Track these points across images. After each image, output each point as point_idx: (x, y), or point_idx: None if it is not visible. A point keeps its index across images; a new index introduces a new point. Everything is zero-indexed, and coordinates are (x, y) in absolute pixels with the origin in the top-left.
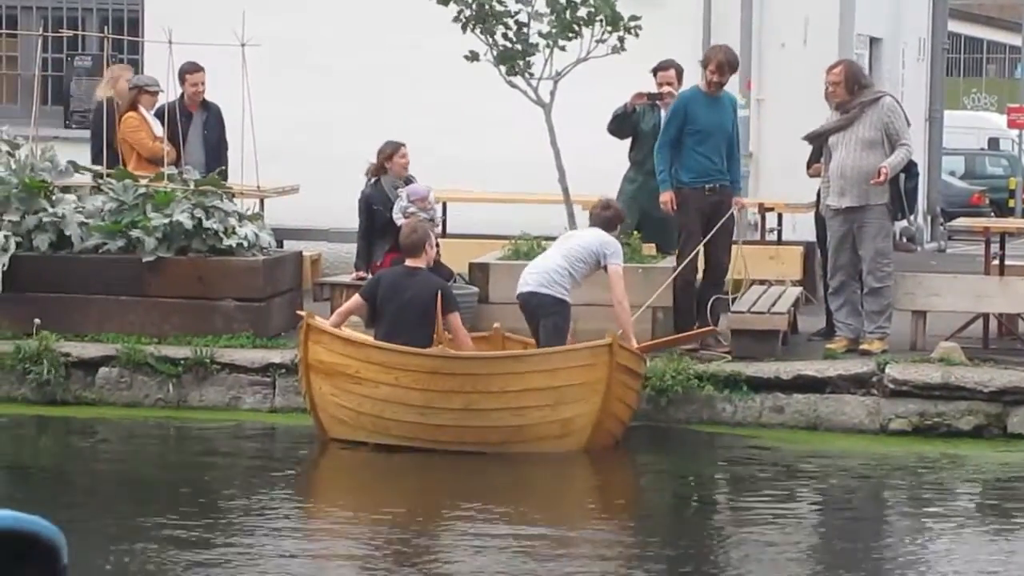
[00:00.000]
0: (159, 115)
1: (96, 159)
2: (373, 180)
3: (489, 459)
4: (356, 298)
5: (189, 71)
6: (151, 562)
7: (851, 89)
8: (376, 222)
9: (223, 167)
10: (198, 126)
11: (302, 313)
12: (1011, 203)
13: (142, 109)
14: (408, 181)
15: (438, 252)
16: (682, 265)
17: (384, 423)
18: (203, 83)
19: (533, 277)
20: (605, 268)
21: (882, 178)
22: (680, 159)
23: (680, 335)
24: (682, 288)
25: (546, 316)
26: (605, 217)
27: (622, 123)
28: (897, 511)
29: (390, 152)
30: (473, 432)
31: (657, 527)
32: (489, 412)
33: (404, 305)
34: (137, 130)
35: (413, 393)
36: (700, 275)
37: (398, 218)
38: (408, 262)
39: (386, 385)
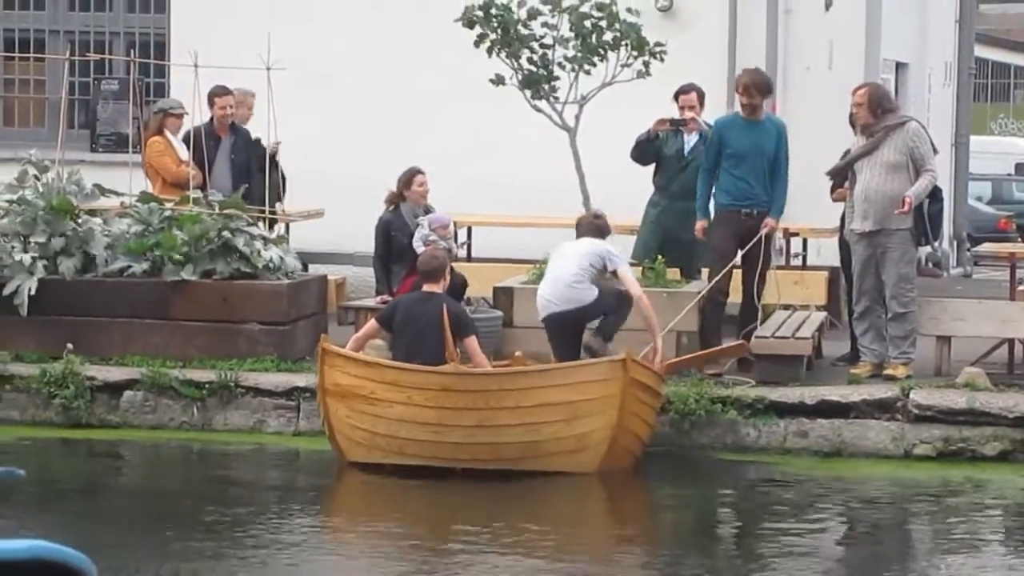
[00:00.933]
0: (186, 139)
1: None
2: (392, 207)
3: (507, 485)
4: (372, 323)
5: (219, 94)
6: None
7: (875, 112)
8: (393, 248)
9: (247, 186)
10: (226, 150)
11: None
12: None
13: (167, 133)
14: (428, 210)
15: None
16: (709, 286)
17: (399, 442)
18: (232, 106)
19: (555, 296)
20: (614, 273)
21: (906, 207)
22: (718, 183)
23: (711, 350)
24: (711, 310)
25: (592, 319)
26: (598, 226)
27: (645, 149)
28: (921, 537)
29: (407, 179)
30: (487, 449)
31: (676, 553)
32: (503, 428)
33: (421, 330)
34: (162, 155)
35: (427, 411)
36: (727, 298)
37: (418, 245)
38: (425, 287)
39: (400, 404)
